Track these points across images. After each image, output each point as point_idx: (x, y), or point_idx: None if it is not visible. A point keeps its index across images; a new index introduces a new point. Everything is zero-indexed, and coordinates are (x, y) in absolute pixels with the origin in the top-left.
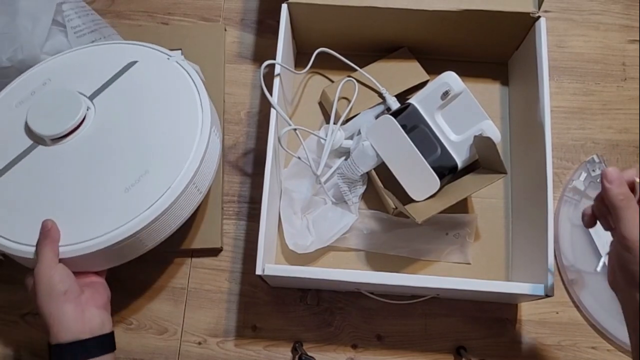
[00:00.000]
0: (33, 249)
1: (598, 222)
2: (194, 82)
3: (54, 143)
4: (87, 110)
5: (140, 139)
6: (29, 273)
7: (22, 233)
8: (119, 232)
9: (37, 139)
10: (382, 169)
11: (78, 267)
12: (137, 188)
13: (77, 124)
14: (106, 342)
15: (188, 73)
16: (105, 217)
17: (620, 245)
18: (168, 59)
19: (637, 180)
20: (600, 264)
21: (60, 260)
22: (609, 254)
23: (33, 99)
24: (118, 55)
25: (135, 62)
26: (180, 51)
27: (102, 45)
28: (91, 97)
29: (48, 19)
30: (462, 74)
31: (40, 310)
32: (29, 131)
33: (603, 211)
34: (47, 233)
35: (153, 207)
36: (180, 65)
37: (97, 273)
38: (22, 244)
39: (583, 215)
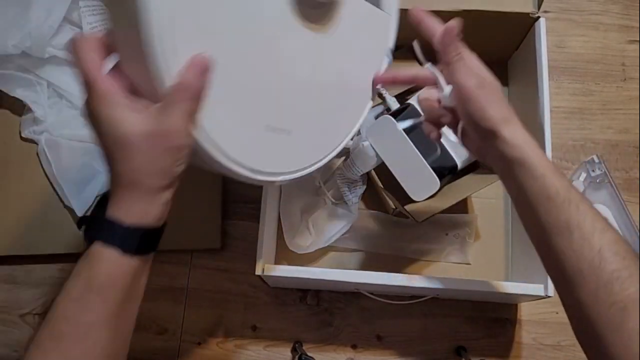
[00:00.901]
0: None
1: None
2: (386, 53)
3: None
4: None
5: (316, 81)
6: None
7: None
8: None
9: None
10: (382, 169)
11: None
12: (270, 139)
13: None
14: (158, 237)
15: (388, 39)
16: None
17: (460, 103)
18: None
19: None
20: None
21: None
22: (462, 132)
23: None
24: None
25: None
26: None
27: None
28: None
29: (61, 13)
30: None
31: (120, 174)
32: None
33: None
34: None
35: (265, 174)
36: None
37: None
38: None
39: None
